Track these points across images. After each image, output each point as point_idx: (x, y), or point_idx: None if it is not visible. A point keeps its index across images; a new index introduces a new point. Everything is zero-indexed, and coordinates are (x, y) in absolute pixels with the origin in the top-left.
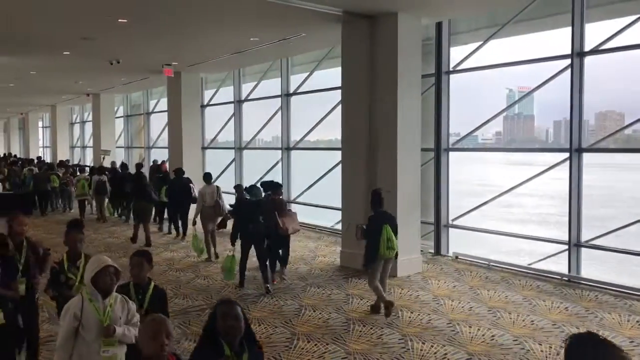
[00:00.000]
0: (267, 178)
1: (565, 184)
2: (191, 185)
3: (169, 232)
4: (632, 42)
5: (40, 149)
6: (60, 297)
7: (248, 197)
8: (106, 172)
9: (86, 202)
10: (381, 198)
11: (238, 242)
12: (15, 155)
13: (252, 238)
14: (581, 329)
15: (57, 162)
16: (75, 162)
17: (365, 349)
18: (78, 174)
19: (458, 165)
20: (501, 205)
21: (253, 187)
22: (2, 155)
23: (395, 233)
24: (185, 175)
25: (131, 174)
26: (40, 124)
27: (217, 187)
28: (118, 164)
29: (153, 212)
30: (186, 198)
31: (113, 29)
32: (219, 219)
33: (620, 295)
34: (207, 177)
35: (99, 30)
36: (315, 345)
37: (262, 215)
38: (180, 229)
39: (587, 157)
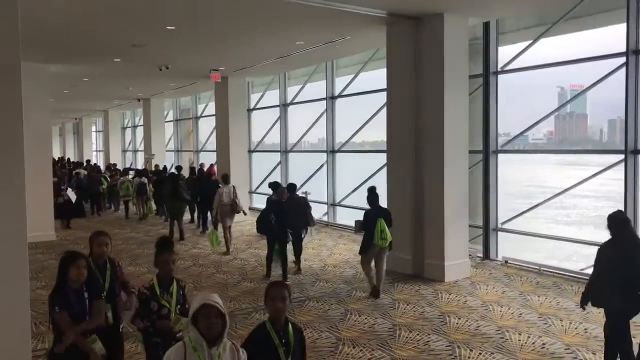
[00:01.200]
0: (312, 181)
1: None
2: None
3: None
4: None
5: (93, 153)
6: (152, 328)
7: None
8: (149, 174)
9: (130, 203)
10: (376, 194)
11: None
12: (68, 159)
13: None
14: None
15: (105, 165)
16: (127, 165)
17: (411, 356)
18: (121, 177)
19: (509, 166)
20: (555, 208)
21: (277, 185)
22: (56, 159)
23: (389, 226)
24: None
25: (173, 175)
26: (93, 128)
27: (233, 186)
28: (169, 168)
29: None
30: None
31: (162, 35)
32: (235, 216)
33: None
34: (225, 178)
35: (148, 37)
36: (361, 350)
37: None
38: (200, 225)
39: None
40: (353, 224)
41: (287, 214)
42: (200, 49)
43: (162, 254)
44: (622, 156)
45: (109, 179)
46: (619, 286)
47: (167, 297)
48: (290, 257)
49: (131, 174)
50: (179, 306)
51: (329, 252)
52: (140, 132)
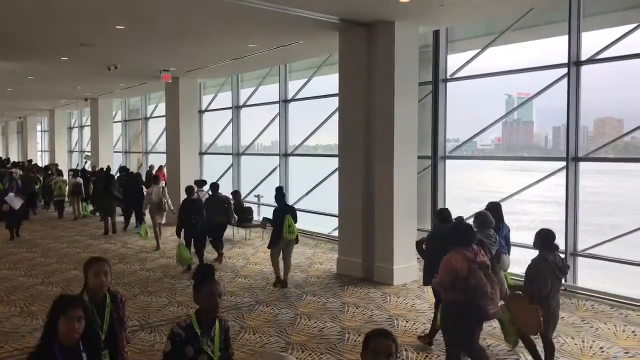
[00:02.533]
0: (265, 184)
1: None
2: (142, 186)
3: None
4: (629, 52)
5: (38, 153)
6: None
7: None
8: (87, 175)
9: (64, 202)
10: (283, 194)
11: None
12: (7, 159)
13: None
14: (576, 340)
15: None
16: (73, 166)
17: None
18: (55, 177)
19: (462, 171)
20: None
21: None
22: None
23: (295, 221)
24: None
25: (105, 174)
26: (38, 127)
27: (163, 187)
28: (115, 169)
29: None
30: (139, 197)
31: (111, 35)
32: (164, 213)
33: (616, 305)
34: (155, 179)
35: (97, 36)
36: (310, 355)
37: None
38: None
39: (589, 164)
40: (308, 229)
41: (204, 211)
42: (151, 49)
43: (205, 285)
44: (564, 163)
45: (42, 180)
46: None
47: (208, 340)
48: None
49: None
50: (220, 352)
51: None
52: (87, 132)
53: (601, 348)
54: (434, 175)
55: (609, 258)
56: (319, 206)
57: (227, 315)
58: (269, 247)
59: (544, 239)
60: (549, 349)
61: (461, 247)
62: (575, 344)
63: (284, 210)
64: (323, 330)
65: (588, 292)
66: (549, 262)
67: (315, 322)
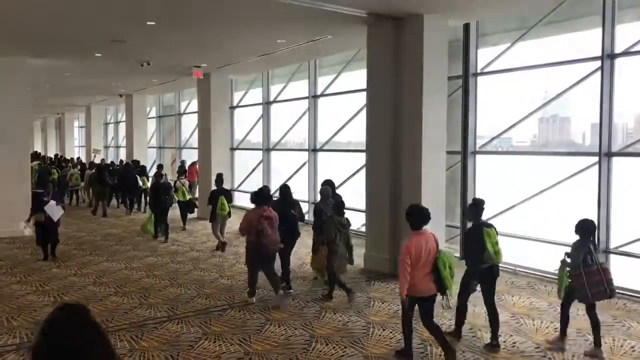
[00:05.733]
0: (294, 180)
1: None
2: (137, 176)
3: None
4: None
5: (75, 149)
6: None
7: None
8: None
9: (79, 192)
10: (222, 180)
11: None
12: (38, 153)
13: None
14: (606, 338)
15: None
16: (109, 160)
17: (383, 354)
18: (72, 169)
19: (494, 167)
20: (537, 209)
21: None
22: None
23: (230, 201)
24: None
25: (99, 165)
26: (76, 123)
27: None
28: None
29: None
30: (134, 186)
31: (142, 31)
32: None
33: None
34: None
35: (128, 32)
36: (334, 348)
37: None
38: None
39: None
40: None
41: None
42: (182, 45)
43: None
44: (596, 158)
45: (59, 170)
46: None
47: None
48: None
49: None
50: None
51: (307, 250)
52: (123, 128)
53: (632, 347)
54: (463, 170)
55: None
56: (348, 202)
57: (254, 308)
58: (210, 221)
59: (339, 205)
60: (341, 286)
61: (258, 208)
62: (606, 343)
63: (219, 193)
64: (348, 324)
65: (621, 291)
66: (334, 220)
67: (340, 315)
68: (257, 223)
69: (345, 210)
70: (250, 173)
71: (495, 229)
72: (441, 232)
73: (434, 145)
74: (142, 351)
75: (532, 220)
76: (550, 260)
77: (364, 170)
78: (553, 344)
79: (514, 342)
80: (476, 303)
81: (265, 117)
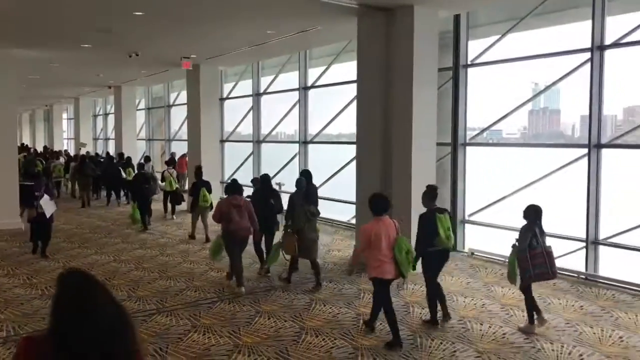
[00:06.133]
0: (285, 172)
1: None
2: (120, 168)
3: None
4: None
5: (64, 141)
6: None
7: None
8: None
9: (62, 183)
10: (201, 173)
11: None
12: (25, 145)
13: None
14: (595, 329)
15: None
16: (95, 152)
17: (373, 345)
18: (55, 160)
19: (483, 159)
20: (531, 201)
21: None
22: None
23: (210, 192)
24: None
25: (82, 157)
26: (64, 115)
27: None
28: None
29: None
30: (117, 177)
31: (130, 21)
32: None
33: (638, 295)
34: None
35: (116, 23)
36: (323, 340)
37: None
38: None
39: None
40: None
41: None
42: (170, 35)
43: None
44: (586, 150)
45: (44, 162)
46: None
47: None
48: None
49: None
50: None
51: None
52: (111, 120)
53: (620, 337)
54: (453, 162)
55: (632, 247)
56: (339, 194)
57: (243, 300)
58: (190, 212)
59: (308, 195)
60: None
61: (230, 196)
62: (594, 333)
63: (201, 185)
64: (338, 316)
65: (609, 282)
66: (303, 209)
67: (330, 307)
68: (227, 210)
69: (319, 200)
70: (241, 165)
71: (449, 214)
72: None
73: (424, 136)
74: None
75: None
76: None
77: (354, 162)
78: (525, 328)
79: (504, 333)
80: (466, 294)
81: (256, 108)
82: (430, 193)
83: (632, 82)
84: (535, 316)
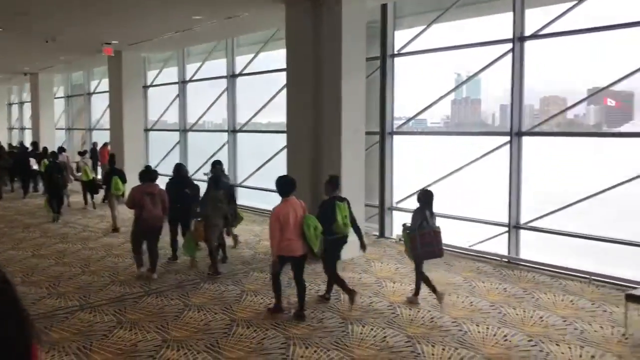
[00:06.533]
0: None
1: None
2: (30, 158)
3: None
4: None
5: None
6: None
7: None
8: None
9: None
10: (114, 161)
11: None
12: None
13: None
14: (517, 310)
15: None
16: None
17: (305, 334)
18: None
19: (409, 148)
20: (454, 187)
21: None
22: None
23: (124, 182)
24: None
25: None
26: None
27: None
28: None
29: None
30: (26, 167)
31: (47, 3)
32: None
33: (556, 276)
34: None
35: (32, 4)
36: (255, 331)
37: None
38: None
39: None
40: (257, 206)
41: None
42: (90, 20)
43: None
44: (507, 138)
45: None
46: None
47: None
48: None
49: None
50: None
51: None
52: (28, 108)
53: (541, 317)
54: (381, 151)
55: (550, 230)
56: (269, 183)
57: (171, 294)
58: (103, 201)
59: (216, 182)
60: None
61: (144, 184)
62: (517, 314)
63: (113, 173)
64: (270, 307)
65: (530, 264)
66: (210, 196)
67: (262, 298)
68: (140, 198)
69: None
70: (167, 155)
71: (348, 202)
72: (361, 211)
73: (353, 125)
74: (51, 343)
75: (447, 198)
76: (465, 236)
77: (285, 152)
78: (410, 299)
79: (432, 318)
80: (395, 280)
81: (182, 96)
82: (332, 183)
83: (548, 73)
84: (435, 295)
